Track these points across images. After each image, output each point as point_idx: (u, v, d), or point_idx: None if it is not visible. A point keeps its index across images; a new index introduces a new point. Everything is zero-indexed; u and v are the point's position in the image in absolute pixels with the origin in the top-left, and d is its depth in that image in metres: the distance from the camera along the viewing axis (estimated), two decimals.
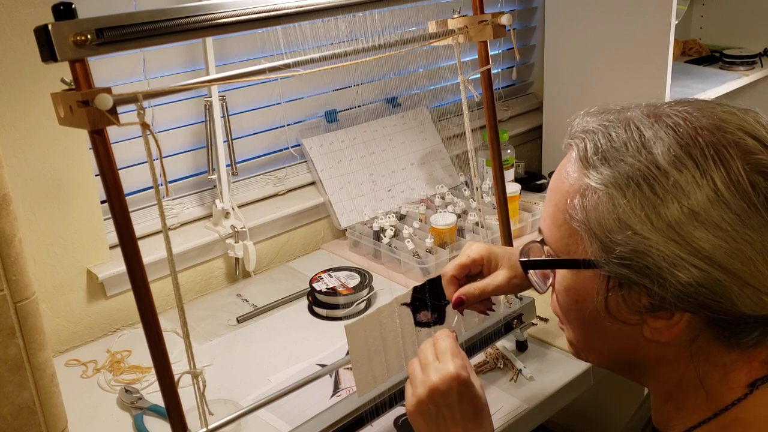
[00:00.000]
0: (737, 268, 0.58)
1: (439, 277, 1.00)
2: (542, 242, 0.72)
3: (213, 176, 1.51)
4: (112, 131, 0.76)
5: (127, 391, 1.19)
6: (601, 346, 0.70)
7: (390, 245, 1.55)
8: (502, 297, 1.15)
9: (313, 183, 1.71)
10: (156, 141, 0.77)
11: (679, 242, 0.59)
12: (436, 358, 0.85)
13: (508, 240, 1.18)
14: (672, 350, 0.65)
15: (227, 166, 1.51)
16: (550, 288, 0.75)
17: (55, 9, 0.71)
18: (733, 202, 0.58)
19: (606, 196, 0.62)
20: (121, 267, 1.35)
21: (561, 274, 0.70)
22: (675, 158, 0.60)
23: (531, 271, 0.76)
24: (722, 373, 0.65)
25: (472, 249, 0.99)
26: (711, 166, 0.59)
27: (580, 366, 1.19)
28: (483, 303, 0.98)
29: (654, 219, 0.59)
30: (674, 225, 0.59)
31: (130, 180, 1.42)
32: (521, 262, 0.75)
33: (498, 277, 0.97)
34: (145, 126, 0.77)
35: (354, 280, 1.43)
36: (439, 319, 1.01)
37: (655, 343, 0.65)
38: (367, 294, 1.42)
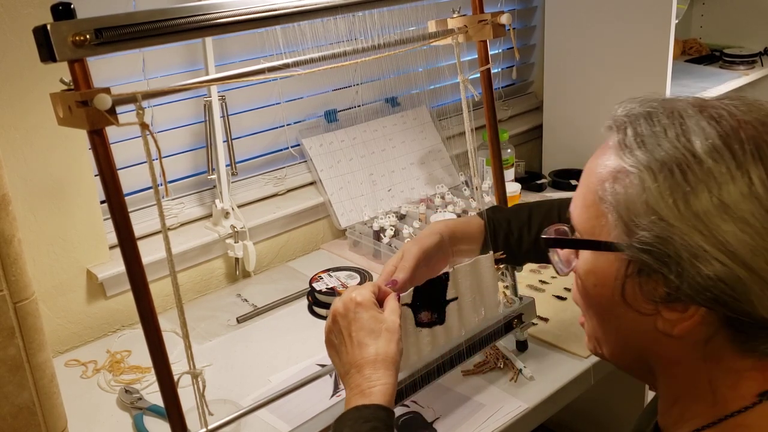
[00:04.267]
0: (761, 267, 0.57)
1: (438, 278, 1.00)
2: (571, 229, 0.71)
3: (213, 176, 1.50)
4: (111, 131, 0.76)
5: (126, 391, 1.19)
6: (615, 338, 0.69)
7: (390, 245, 1.54)
8: (501, 297, 1.15)
9: (312, 183, 1.71)
10: (155, 141, 0.77)
11: (705, 233, 0.57)
12: (351, 291, 0.91)
13: None
14: (685, 349, 0.64)
15: (227, 166, 1.51)
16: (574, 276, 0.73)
17: (54, 9, 0.71)
18: (766, 199, 0.57)
19: (637, 179, 0.61)
20: (120, 267, 1.34)
21: (584, 256, 0.69)
22: (713, 148, 0.59)
23: (552, 251, 0.74)
24: (734, 380, 0.63)
25: (408, 259, 1.01)
26: (749, 160, 0.58)
27: (580, 366, 1.19)
28: None
29: (682, 206, 0.58)
30: (702, 215, 0.57)
31: (129, 180, 1.42)
32: (544, 239, 0.73)
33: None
34: (144, 126, 0.77)
35: (354, 280, 1.43)
36: (440, 319, 1.01)
37: (668, 338, 0.63)
38: None
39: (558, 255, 0.74)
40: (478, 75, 1.14)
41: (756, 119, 0.60)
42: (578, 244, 0.69)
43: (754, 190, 0.57)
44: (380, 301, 0.92)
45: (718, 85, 2.03)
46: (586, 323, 0.74)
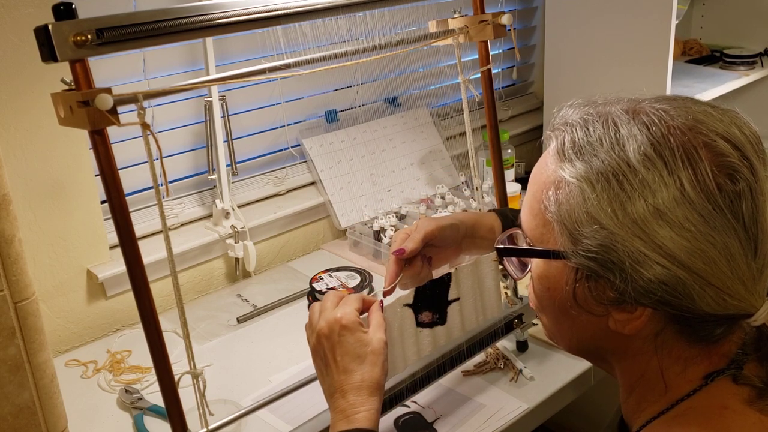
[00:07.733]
0: (699, 267, 0.60)
1: (441, 278, 1.00)
2: (524, 233, 0.74)
3: (213, 176, 1.50)
4: (112, 131, 0.76)
5: (127, 391, 1.19)
6: (570, 334, 0.72)
7: (390, 245, 1.54)
8: (503, 297, 1.15)
9: (313, 183, 1.71)
10: (156, 141, 0.77)
11: (644, 239, 0.60)
12: (334, 305, 0.89)
13: None
14: (637, 342, 0.67)
15: (227, 166, 1.51)
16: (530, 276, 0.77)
17: (56, 9, 0.71)
18: (698, 203, 0.60)
19: (577, 190, 0.63)
20: (121, 267, 1.34)
21: (535, 262, 0.72)
22: (645, 156, 0.61)
23: (506, 258, 0.79)
24: (682, 367, 0.66)
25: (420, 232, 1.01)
26: (679, 166, 0.60)
27: (580, 366, 1.19)
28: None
29: (620, 214, 0.61)
30: (639, 222, 0.60)
31: (130, 180, 1.42)
32: (497, 249, 0.77)
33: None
34: (145, 126, 0.77)
35: (354, 280, 1.42)
36: (441, 320, 1.00)
37: (620, 334, 0.66)
38: (368, 294, 1.41)
39: (512, 261, 0.79)
40: (479, 75, 1.14)
41: (684, 124, 0.63)
42: (528, 254, 0.73)
43: (686, 194, 0.60)
44: (365, 310, 0.91)
45: (719, 85, 2.03)
46: (542, 319, 0.77)
